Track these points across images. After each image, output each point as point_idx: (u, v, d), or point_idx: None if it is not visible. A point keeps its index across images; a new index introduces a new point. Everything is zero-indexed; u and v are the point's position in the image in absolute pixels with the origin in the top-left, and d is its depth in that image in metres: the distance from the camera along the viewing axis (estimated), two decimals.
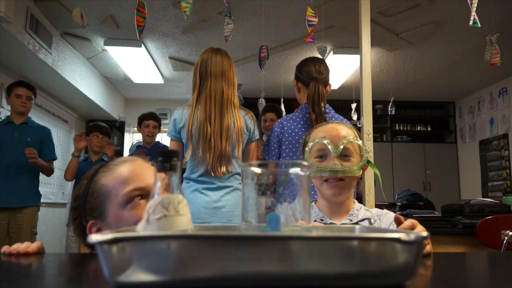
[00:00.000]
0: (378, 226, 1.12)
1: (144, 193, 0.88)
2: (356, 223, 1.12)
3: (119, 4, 3.70)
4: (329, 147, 1.09)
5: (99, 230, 0.89)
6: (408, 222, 0.85)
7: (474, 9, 2.48)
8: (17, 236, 3.00)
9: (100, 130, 3.50)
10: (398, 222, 0.86)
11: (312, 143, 1.12)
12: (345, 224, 1.11)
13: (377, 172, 1.13)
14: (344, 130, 1.15)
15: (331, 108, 2.14)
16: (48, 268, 0.68)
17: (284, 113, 4.33)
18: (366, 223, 1.13)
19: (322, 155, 1.12)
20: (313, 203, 1.19)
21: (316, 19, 2.82)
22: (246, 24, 4.05)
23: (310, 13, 2.81)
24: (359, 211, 1.15)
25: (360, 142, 1.12)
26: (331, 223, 1.12)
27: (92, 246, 0.90)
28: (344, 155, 1.11)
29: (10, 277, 0.55)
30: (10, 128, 3.13)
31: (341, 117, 2.13)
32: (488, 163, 5.95)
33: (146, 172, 0.91)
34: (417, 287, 0.46)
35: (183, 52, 4.79)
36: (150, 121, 3.75)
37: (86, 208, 0.92)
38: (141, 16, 2.67)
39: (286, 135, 2.06)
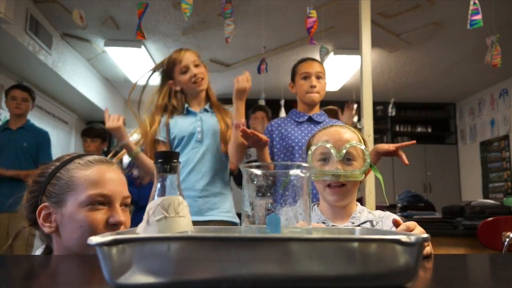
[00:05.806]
0: (380, 228, 1.12)
1: (106, 201, 0.91)
2: (359, 225, 1.11)
3: (119, 5, 3.70)
4: (332, 151, 1.08)
5: (48, 215, 0.91)
6: (406, 224, 0.85)
7: (470, 11, 2.47)
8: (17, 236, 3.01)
9: (87, 134, 3.52)
10: (396, 225, 0.87)
11: (315, 147, 1.11)
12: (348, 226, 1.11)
13: (380, 177, 1.13)
14: (348, 133, 1.14)
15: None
16: (48, 269, 0.68)
17: (283, 113, 4.33)
18: (368, 225, 1.12)
19: (325, 158, 1.11)
20: (315, 206, 1.19)
21: (315, 17, 2.79)
22: (247, 25, 4.05)
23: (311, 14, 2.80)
24: (361, 213, 1.15)
25: (363, 147, 1.11)
26: (333, 226, 1.11)
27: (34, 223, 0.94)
28: (347, 159, 1.10)
29: (10, 277, 0.55)
30: (7, 134, 3.18)
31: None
32: (488, 164, 5.95)
33: (116, 179, 0.94)
34: None
35: None
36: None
37: (47, 189, 0.92)
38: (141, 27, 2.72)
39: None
